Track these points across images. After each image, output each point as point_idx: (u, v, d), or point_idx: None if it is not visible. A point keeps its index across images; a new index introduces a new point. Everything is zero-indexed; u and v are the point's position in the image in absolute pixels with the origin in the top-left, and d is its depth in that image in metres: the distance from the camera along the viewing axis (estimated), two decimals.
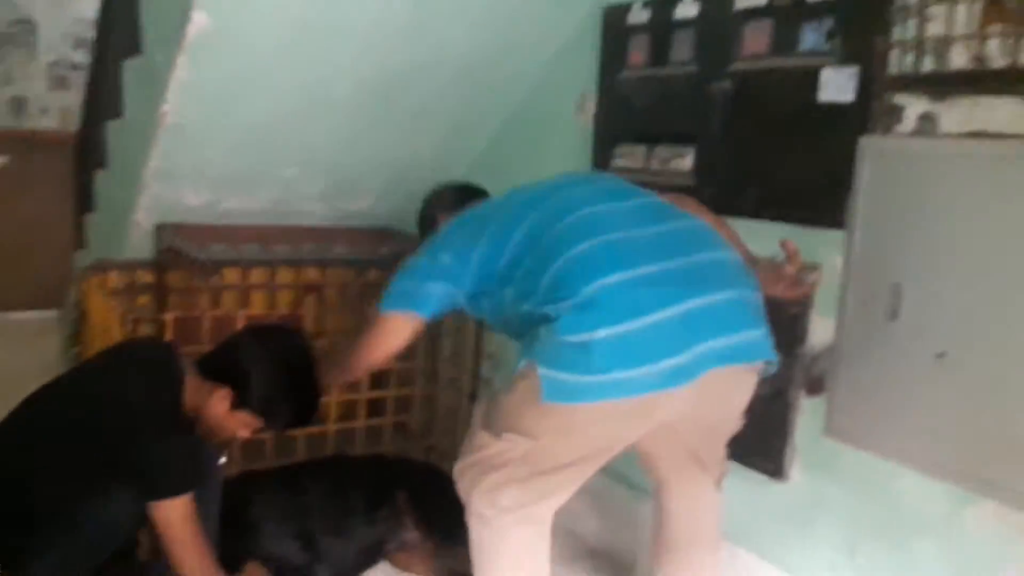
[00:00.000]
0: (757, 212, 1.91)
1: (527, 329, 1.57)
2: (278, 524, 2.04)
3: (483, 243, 1.65)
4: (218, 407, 1.62)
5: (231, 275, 2.65)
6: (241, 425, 1.67)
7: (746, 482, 1.94)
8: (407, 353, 2.60)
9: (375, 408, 2.72)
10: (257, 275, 2.73)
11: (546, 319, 1.49)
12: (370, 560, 2.21)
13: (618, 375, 1.43)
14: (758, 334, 1.52)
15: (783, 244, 1.66)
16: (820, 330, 1.80)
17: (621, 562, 2.34)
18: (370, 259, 2.70)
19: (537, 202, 1.66)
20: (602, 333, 1.42)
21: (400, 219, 3.07)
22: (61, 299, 3.85)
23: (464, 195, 1.94)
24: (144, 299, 2.76)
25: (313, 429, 2.49)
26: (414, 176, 2.70)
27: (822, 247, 1.78)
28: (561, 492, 1.60)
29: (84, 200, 3.59)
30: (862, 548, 1.76)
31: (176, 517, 1.49)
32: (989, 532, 1.53)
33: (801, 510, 1.87)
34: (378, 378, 2.65)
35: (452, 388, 2.78)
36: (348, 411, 2.66)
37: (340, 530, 2.11)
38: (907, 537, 1.67)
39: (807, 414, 1.84)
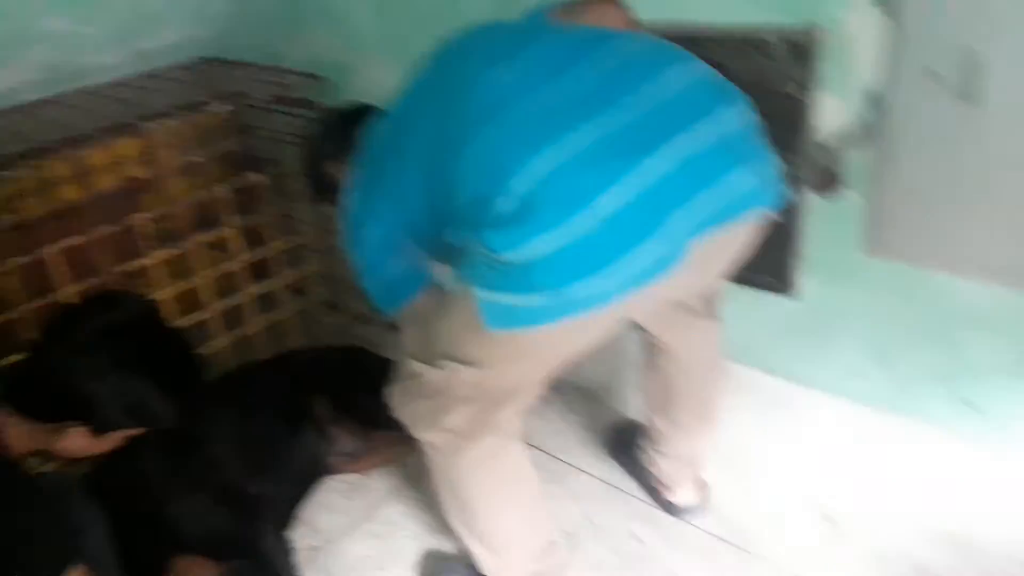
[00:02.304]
0: None
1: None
2: (187, 500, 1.59)
3: (389, 195, 1.26)
4: (75, 444, 1.26)
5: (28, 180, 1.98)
6: (114, 442, 1.32)
7: (742, 298, 1.65)
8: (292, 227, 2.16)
9: (266, 301, 2.23)
10: (59, 168, 2.06)
11: (474, 241, 1.10)
12: (313, 483, 1.87)
13: (574, 291, 1.05)
14: (751, 173, 1.10)
15: None
16: (828, 113, 1.41)
17: (593, 394, 2.10)
18: (199, 102, 2.05)
19: (425, 103, 1.22)
20: (539, 245, 1.03)
21: (223, 45, 2.38)
22: None
23: (346, 128, 1.47)
24: None
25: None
26: None
27: (825, 1, 1.33)
28: (523, 401, 1.31)
29: None
30: (896, 352, 1.53)
31: None
32: None
33: (815, 323, 1.61)
34: (261, 270, 2.15)
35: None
36: (226, 289, 2.15)
37: (263, 475, 1.71)
38: (955, 332, 1.44)
39: (820, 216, 1.51)
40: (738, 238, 1.20)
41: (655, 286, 1.08)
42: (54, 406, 1.22)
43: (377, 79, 2.11)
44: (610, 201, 1.02)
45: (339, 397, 1.85)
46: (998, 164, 1.19)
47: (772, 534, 1.64)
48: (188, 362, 1.37)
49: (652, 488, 1.74)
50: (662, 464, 1.67)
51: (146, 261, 1.85)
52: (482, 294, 1.11)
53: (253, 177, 2.08)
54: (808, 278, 1.58)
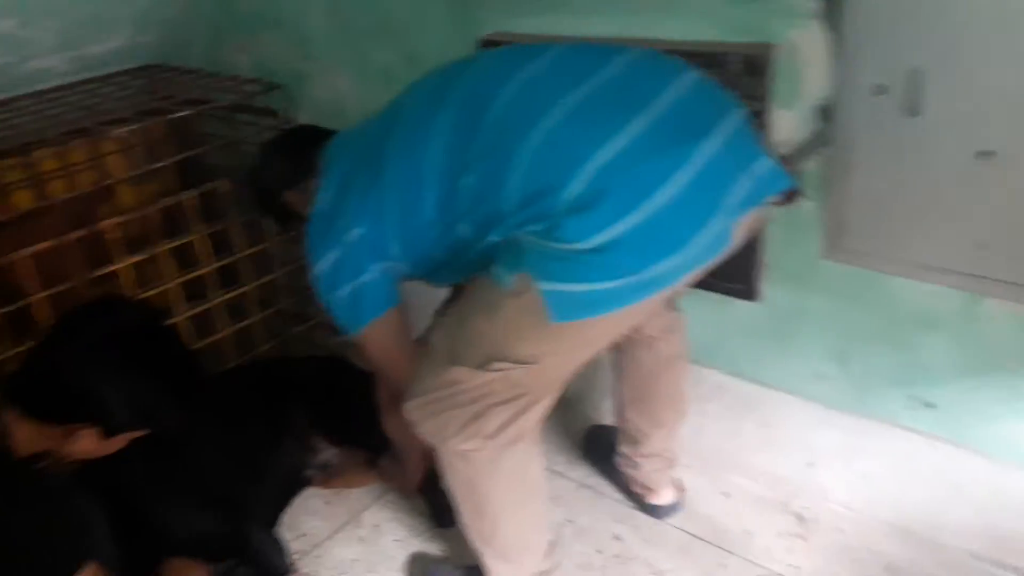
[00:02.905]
0: None
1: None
2: (173, 505, 1.61)
3: (390, 191, 1.25)
4: (84, 446, 1.24)
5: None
6: (122, 443, 1.30)
7: (709, 303, 1.67)
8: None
9: (235, 309, 2.19)
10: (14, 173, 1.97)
11: (536, 234, 1.11)
12: (295, 491, 1.88)
13: (655, 270, 1.09)
14: (769, 159, 1.19)
15: None
16: (783, 126, 1.43)
17: (565, 401, 2.07)
18: (160, 107, 1.99)
19: (438, 100, 1.21)
20: (621, 227, 1.06)
21: (168, 50, 2.31)
22: None
23: (299, 152, 1.45)
24: None
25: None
26: None
27: (775, 20, 1.35)
28: (551, 400, 1.32)
29: None
30: (855, 353, 1.57)
31: None
32: (1004, 325, 1.36)
33: (779, 327, 1.64)
34: (229, 277, 2.12)
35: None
36: (194, 295, 2.11)
37: (246, 480, 1.72)
38: (909, 333, 1.48)
39: (780, 224, 1.53)
40: (756, 217, 1.26)
41: (710, 263, 1.15)
42: (64, 408, 1.20)
43: (333, 86, 2.08)
44: (678, 182, 1.07)
45: (317, 410, 1.85)
46: (940, 172, 1.23)
47: (746, 532, 1.68)
48: (191, 366, 1.36)
49: (631, 491, 1.76)
50: (642, 466, 1.69)
51: (115, 267, 1.84)
52: (547, 286, 1.11)
53: (218, 184, 2.04)
54: (771, 283, 1.61)
